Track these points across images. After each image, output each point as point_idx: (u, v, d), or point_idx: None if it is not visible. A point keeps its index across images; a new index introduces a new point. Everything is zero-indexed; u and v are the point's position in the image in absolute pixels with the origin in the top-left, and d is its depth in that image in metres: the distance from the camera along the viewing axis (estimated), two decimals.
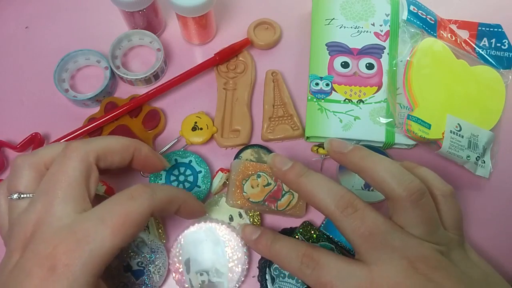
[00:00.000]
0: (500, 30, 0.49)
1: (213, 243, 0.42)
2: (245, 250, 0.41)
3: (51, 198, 0.30)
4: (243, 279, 0.41)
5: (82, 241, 0.28)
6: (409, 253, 0.30)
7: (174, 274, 0.41)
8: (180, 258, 0.41)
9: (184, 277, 0.41)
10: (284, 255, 0.34)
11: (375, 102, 0.46)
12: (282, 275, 0.41)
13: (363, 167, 0.33)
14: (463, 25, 0.50)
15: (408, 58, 0.47)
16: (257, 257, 0.43)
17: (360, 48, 0.48)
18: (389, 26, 0.49)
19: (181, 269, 0.41)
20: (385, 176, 0.32)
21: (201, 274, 0.41)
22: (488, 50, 0.49)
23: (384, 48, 0.48)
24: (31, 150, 0.45)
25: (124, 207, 0.30)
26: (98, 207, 0.30)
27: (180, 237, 0.42)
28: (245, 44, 0.50)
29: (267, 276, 0.41)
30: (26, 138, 0.45)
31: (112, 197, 0.31)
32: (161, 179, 0.44)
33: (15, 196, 0.32)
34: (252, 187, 0.43)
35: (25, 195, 0.32)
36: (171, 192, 0.34)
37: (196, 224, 0.42)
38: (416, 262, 0.29)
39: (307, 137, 0.46)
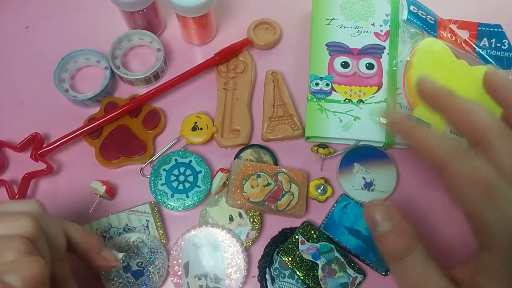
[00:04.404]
0: (500, 30, 0.49)
1: (213, 248, 0.42)
2: (244, 256, 0.41)
3: None
4: (240, 286, 0.41)
5: None
6: None
7: (172, 277, 0.41)
8: (179, 261, 0.41)
9: (182, 281, 0.41)
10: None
11: (375, 102, 0.46)
12: (282, 275, 0.41)
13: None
14: (463, 25, 0.50)
15: (408, 58, 0.47)
16: (257, 257, 0.43)
17: (360, 48, 0.48)
18: (389, 26, 0.49)
19: (180, 272, 0.41)
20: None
21: (199, 279, 0.41)
22: (488, 50, 0.49)
23: (384, 48, 0.48)
24: (31, 150, 0.45)
25: None
26: None
27: (180, 240, 0.42)
28: (245, 44, 0.50)
29: (267, 276, 0.41)
30: (26, 138, 0.45)
31: None
32: (161, 179, 0.44)
33: None
34: (252, 187, 0.43)
35: None
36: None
37: (197, 228, 0.42)
38: None
39: (307, 137, 0.46)
